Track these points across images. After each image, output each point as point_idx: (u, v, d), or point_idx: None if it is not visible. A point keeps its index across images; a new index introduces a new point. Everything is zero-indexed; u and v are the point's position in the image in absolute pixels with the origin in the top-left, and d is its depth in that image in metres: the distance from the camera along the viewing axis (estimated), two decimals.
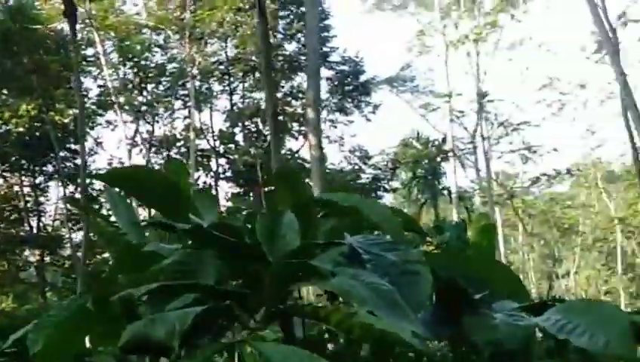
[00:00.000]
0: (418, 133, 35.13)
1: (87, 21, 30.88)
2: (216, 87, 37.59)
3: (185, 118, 37.17)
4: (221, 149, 36.61)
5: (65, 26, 32.47)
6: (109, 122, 36.08)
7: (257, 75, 36.88)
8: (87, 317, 2.81)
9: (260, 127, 36.52)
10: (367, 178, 36.50)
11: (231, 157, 36.31)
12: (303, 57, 35.29)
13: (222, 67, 36.66)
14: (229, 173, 36.58)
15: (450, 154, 35.12)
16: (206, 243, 2.99)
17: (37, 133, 31.59)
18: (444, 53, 37.91)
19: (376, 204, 3.27)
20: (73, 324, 2.84)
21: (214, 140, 36.58)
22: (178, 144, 36.78)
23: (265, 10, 6.56)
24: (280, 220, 2.89)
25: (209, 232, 2.90)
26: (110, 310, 2.73)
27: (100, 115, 35.09)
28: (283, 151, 36.64)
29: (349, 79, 36.91)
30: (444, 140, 35.49)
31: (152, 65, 35.93)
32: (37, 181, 34.12)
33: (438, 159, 34.13)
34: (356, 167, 37.03)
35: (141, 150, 35.58)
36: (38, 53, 26.46)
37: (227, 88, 37.21)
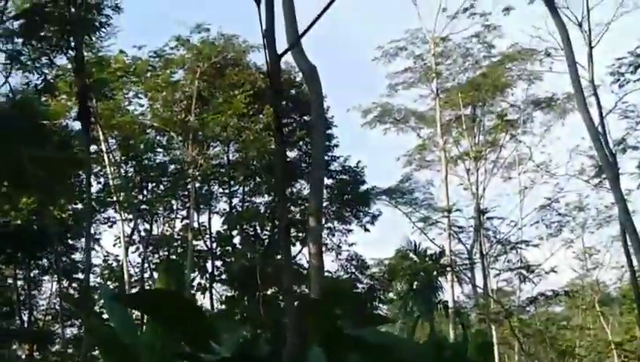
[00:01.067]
0: (415, 245, 35.00)
1: (93, 119, 31.22)
2: (217, 189, 37.79)
3: (183, 218, 37.22)
4: (218, 251, 36.46)
5: (70, 122, 33.12)
6: (107, 218, 36.12)
7: (258, 179, 37.18)
8: None
9: (259, 230, 36.56)
10: (364, 287, 36.32)
11: (227, 259, 36.14)
12: (304, 164, 35.65)
13: (223, 170, 36.94)
14: (224, 276, 36.32)
15: (448, 268, 35.06)
16: None
17: (35, 227, 31.48)
18: (444, 168, 38.35)
19: (406, 342, 3.21)
20: None
21: (212, 242, 36.50)
22: (175, 244, 36.68)
23: (282, 128, 6.56)
24: (307, 356, 2.83)
25: None
26: None
27: (100, 212, 35.14)
28: (279, 257, 36.59)
29: (349, 188, 37.14)
30: (441, 254, 35.42)
31: (154, 164, 36.19)
32: (31, 274, 33.86)
33: (435, 273, 33.92)
34: (353, 276, 36.89)
35: (138, 248, 35.45)
36: (43, 148, 26.58)
37: (227, 191, 37.37)
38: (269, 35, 6.98)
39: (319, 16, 6.44)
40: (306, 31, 7.03)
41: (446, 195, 38.32)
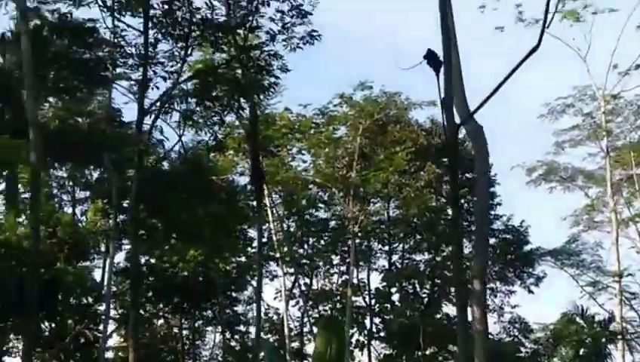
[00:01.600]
0: (583, 310, 33.39)
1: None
2: (376, 245, 37.77)
3: (343, 273, 37.41)
4: (377, 308, 36.27)
5: (236, 178, 34.22)
6: (269, 272, 36.81)
7: (418, 236, 36.89)
8: None
9: (418, 288, 36.18)
10: (527, 352, 35.06)
11: (386, 317, 35.86)
12: (465, 223, 35.02)
13: (383, 226, 36.91)
14: (382, 333, 36.01)
15: (619, 336, 33.16)
16: None
17: (200, 279, 32.47)
18: (614, 230, 36.55)
19: None
20: None
21: (370, 298, 36.40)
22: (334, 299, 36.82)
23: (458, 199, 6.41)
24: None
25: None
26: None
27: (262, 265, 35.85)
28: (438, 316, 35.95)
29: (512, 248, 36.20)
30: (610, 320, 33.57)
31: (316, 220, 36.67)
32: (196, 324, 34.89)
33: (604, 340, 32.17)
34: (516, 340, 35.75)
35: (298, 302, 35.90)
36: (211, 203, 27.55)
37: (387, 248, 37.29)
38: (447, 104, 6.87)
39: (494, 91, 6.26)
40: (481, 105, 6.87)
41: (617, 259, 36.43)
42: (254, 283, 34.38)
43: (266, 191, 33.38)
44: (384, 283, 36.72)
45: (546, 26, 4.76)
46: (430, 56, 5.66)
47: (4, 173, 27.49)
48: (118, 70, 24.05)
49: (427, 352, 34.03)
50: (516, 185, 40.87)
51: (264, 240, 36.21)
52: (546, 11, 4.98)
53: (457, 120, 9.02)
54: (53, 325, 28.06)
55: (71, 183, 33.51)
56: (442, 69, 6.23)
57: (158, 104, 22.92)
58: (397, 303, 36.26)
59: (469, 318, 9.92)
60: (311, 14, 22.08)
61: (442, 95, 6.15)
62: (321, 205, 37.14)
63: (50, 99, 28.30)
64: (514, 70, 5.27)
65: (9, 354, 29.55)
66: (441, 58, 6.11)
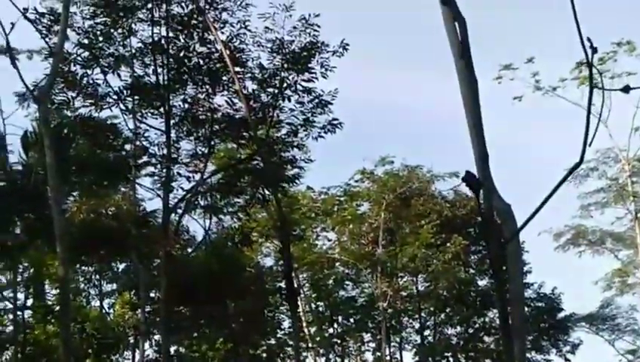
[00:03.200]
0: None
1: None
2: (407, 320, 37.25)
3: (374, 350, 36.87)
4: None
5: (261, 260, 34.02)
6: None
7: (448, 310, 36.37)
8: None
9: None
10: None
11: None
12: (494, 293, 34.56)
13: (413, 301, 36.43)
14: None
15: None
16: None
17: None
18: None
19: None
20: None
21: None
22: None
23: (500, 274, 6.06)
24: None
25: None
26: None
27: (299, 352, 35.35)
28: None
29: (546, 316, 35.59)
30: None
31: (344, 298, 36.28)
32: None
33: None
34: None
35: None
36: (243, 299, 27.30)
37: (418, 322, 36.75)
38: (488, 220, 6.57)
39: (538, 209, 6.00)
40: (525, 223, 6.63)
41: None
42: None
43: (292, 274, 33.17)
44: (417, 359, 36.16)
45: (589, 143, 4.55)
46: (469, 178, 5.45)
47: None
48: (142, 171, 24.05)
49: None
50: (545, 250, 40.15)
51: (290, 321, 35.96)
52: (587, 128, 4.77)
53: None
54: None
55: (97, 276, 33.40)
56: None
57: (183, 202, 22.83)
58: None
59: None
60: (331, 104, 22.00)
61: (482, 212, 5.89)
62: (348, 282, 36.75)
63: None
64: (557, 187, 5.08)
65: None
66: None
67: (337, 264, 36.23)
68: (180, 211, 23.11)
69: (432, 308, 36.32)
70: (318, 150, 25.74)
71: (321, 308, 36.55)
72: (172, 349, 31.81)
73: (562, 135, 36.35)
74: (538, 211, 7.87)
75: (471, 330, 35.78)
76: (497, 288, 8.61)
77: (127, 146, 23.86)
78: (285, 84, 21.76)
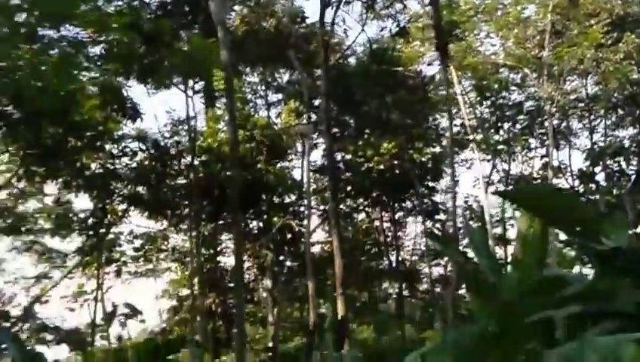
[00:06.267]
0: None
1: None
2: (576, 124, 36.37)
3: (542, 156, 36.41)
4: (580, 189, 35.08)
5: (423, 68, 33.81)
6: (464, 160, 36.52)
7: (620, 111, 35.06)
8: (484, 342, 2.61)
9: (624, 166, 34.57)
10: None
11: (591, 197, 34.65)
12: None
13: (582, 105, 35.32)
14: None
15: None
16: (619, 270, 2.62)
17: (396, 171, 32.62)
18: None
19: None
20: (470, 349, 2.66)
21: (573, 180, 35.29)
22: (535, 183, 35.93)
23: None
24: None
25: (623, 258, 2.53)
26: (511, 334, 2.50)
27: (457, 153, 35.49)
28: None
29: None
30: None
31: (509, 103, 35.67)
32: (396, 216, 35.37)
33: None
34: None
35: (497, 188, 35.36)
36: (399, 92, 27.46)
37: (587, 126, 35.74)
38: None
39: None
40: None
41: None
42: (450, 171, 34.32)
43: (455, 79, 32.82)
44: (587, 163, 35.40)
45: None
46: None
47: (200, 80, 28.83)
48: None
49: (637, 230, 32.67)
50: None
51: (457, 128, 35.93)
52: None
53: None
54: (260, 224, 29.59)
55: (263, 87, 34.51)
56: None
57: None
58: (602, 183, 34.92)
59: None
60: None
61: None
62: (513, 87, 35.98)
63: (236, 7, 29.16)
64: None
65: (222, 254, 31.56)
66: None
67: (502, 69, 35.40)
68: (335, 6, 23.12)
69: (602, 111, 35.07)
70: None
71: (485, 114, 36.11)
72: (338, 156, 32.87)
73: None
74: None
75: None
76: None
77: None
78: None
